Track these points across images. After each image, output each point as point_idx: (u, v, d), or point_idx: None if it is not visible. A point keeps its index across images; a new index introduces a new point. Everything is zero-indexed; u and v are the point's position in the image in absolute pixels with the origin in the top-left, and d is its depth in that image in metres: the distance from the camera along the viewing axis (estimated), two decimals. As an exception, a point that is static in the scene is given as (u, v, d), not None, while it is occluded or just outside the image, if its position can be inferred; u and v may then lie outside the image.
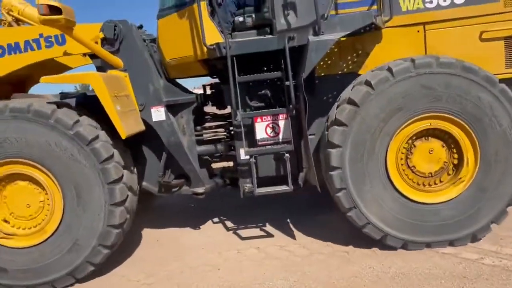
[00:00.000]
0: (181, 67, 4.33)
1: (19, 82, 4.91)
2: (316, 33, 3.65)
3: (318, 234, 4.32)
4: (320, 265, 3.71)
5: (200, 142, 4.54)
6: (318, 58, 3.68)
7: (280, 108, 4.05)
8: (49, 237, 3.74)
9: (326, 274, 3.52)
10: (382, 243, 3.83)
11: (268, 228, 4.71)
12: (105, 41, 4.16)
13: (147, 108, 4.22)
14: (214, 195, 4.91)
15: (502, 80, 3.81)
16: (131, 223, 4.06)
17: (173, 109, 4.33)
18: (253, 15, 4.16)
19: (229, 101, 3.95)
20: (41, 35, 4.33)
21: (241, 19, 4.19)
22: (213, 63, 4.27)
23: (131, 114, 3.97)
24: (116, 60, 4.15)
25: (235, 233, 4.71)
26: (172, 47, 4.27)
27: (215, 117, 4.92)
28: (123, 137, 3.63)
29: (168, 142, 4.26)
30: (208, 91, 4.89)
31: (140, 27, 4.57)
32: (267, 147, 4.06)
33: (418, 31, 4.11)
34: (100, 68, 4.36)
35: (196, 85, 4.99)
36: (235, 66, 3.91)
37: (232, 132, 4.42)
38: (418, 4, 4.04)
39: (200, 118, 4.73)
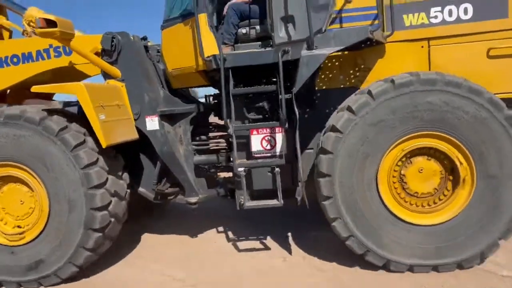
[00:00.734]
0: (182, 77, 4.38)
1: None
2: (310, 47, 3.60)
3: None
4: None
5: (200, 152, 4.56)
6: (310, 73, 3.62)
7: (273, 122, 4.02)
8: (38, 236, 3.87)
9: None
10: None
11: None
12: (103, 52, 4.27)
13: (142, 117, 4.29)
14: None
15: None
16: (119, 227, 4.16)
17: (170, 118, 4.38)
18: (257, 27, 4.17)
19: (222, 112, 3.95)
20: (50, 46, 4.52)
21: (244, 31, 4.20)
22: (211, 75, 4.29)
23: (121, 123, 4.05)
24: (114, 70, 4.26)
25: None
26: (174, 58, 4.32)
27: (217, 127, 4.93)
28: (103, 145, 3.70)
29: (161, 151, 4.30)
30: (212, 102, 4.92)
31: (144, 38, 4.66)
32: (259, 160, 4.03)
33: (422, 47, 4.01)
34: (107, 77, 4.47)
35: (208, 93, 5.06)
36: (231, 78, 3.91)
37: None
38: (422, 19, 3.95)
39: (202, 128, 4.76)
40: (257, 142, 4.05)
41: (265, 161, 4.01)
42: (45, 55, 4.54)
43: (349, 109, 3.50)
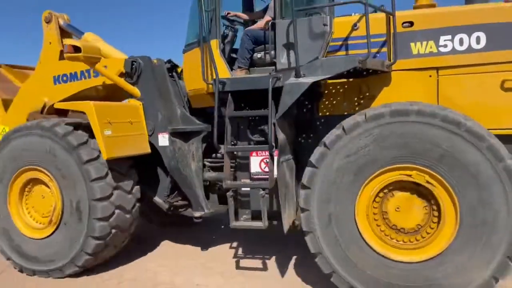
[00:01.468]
0: (197, 98, 4.67)
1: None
2: (297, 75, 3.65)
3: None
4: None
5: (213, 169, 4.79)
6: (292, 100, 3.63)
7: (261, 145, 4.11)
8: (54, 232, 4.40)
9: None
10: None
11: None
12: (126, 74, 4.73)
13: (155, 133, 4.65)
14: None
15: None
16: (124, 237, 4.54)
17: (184, 136, 4.67)
18: (272, 52, 4.32)
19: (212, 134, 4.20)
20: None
21: (259, 55, 4.39)
22: (221, 97, 4.51)
23: (131, 139, 4.44)
24: (134, 90, 4.71)
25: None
26: (190, 80, 4.64)
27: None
28: (104, 157, 4.12)
29: (169, 165, 4.61)
30: None
31: (169, 61, 5.05)
32: (247, 181, 4.14)
33: (430, 76, 3.85)
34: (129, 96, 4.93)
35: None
36: (231, 101, 4.09)
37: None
38: (431, 48, 3.80)
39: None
40: (256, 163, 4.15)
41: (251, 183, 4.11)
42: (86, 74, 5.15)
43: (323, 143, 3.52)
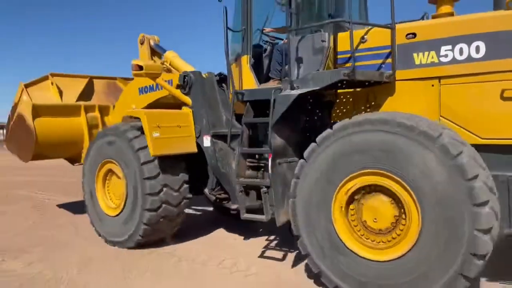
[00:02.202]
0: (236, 105, 5.38)
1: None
2: (291, 88, 4.06)
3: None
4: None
5: (252, 168, 5.44)
6: (282, 110, 4.01)
7: (265, 149, 4.57)
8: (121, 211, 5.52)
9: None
10: None
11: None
12: (180, 86, 5.67)
13: (201, 136, 5.48)
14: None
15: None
16: (172, 224, 5.50)
17: (226, 138, 5.34)
18: (286, 66, 4.82)
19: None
20: None
21: (287, 67, 4.92)
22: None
23: (178, 140, 5.32)
24: (186, 99, 5.64)
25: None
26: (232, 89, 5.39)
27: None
28: (151, 155, 5.06)
29: (210, 163, 5.39)
30: None
31: (219, 74, 5.86)
32: (252, 180, 4.71)
33: (433, 85, 3.93)
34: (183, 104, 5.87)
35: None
36: (250, 109, 4.68)
37: None
38: (432, 58, 3.89)
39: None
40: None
41: (255, 180, 4.67)
42: (159, 86, 6.30)
43: (302, 156, 3.90)
